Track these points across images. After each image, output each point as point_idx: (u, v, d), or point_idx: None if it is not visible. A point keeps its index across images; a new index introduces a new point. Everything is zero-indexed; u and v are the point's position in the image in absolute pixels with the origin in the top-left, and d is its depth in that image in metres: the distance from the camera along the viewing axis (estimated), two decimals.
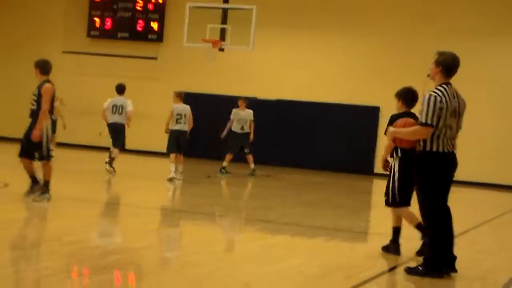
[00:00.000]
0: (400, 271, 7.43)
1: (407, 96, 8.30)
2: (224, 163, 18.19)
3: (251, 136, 18.07)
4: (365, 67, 22.36)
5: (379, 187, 19.95)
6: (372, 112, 22.07)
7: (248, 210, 12.14)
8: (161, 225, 10.02)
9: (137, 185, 15.19)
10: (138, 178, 16.72)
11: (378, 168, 22.08)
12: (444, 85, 7.09)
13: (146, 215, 10.32)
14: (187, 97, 18.45)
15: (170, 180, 15.17)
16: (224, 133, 18.26)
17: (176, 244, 8.60)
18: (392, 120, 8.10)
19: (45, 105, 10.11)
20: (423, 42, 21.31)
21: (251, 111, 18.13)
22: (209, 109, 22.87)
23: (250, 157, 18.15)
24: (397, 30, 22.01)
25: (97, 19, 24.46)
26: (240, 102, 18.24)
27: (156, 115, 23.27)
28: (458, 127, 7.19)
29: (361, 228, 11.12)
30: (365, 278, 6.96)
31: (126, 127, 15.88)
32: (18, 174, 13.51)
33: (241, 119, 18.07)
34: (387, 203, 8.30)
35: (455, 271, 7.26)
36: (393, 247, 8.34)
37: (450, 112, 7.03)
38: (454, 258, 7.29)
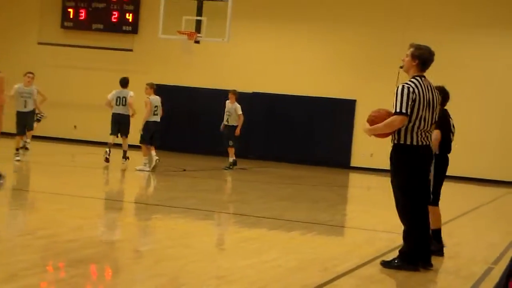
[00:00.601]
0: (376, 264, 7.43)
1: (444, 95, 8.02)
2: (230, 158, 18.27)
3: (237, 130, 18.03)
4: (342, 60, 22.39)
5: (356, 180, 20.11)
6: (349, 105, 22.11)
7: (224, 204, 12.10)
8: (136, 218, 9.95)
9: (112, 178, 15.09)
10: (112, 171, 16.58)
11: (355, 161, 22.20)
12: (417, 77, 7.08)
13: (121, 209, 10.25)
14: (163, 90, 18.43)
15: (141, 170, 15.40)
16: (222, 126, 18.32)
17: (151, 238, 8.54)
18: None
19: None
20: (401, 36, 21.36)
21: (238, 105, 18.14)
22: (184, 102, 22.81)
23: (231, 150, 18.15)
24: (374, 23, 22.05)
25: (71, 10, 24.25)
26: (230, 95, 18.34)
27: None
28: (433, 120, 7.12)
29: (338, 221, 11.12)
30: (341, 271, 6.95)
31: (130, 117, 16.55)
32: None
33: (227, 111, 18.08)
34: None
35: (431, 265, 7.28)
36: (436, 248, 7.95)
37: (423, 104, 6.99)
38: (429, 252, 7.30)
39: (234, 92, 18.42)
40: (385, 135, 7.21)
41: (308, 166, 21.52)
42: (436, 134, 7.82)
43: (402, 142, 7.05)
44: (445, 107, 8.20)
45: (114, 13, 23.91)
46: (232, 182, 16.40)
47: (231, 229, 9.60)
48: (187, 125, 22.88)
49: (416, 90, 6.97)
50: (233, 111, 18.12)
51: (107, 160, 16.23)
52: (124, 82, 16.84)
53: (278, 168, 20.46)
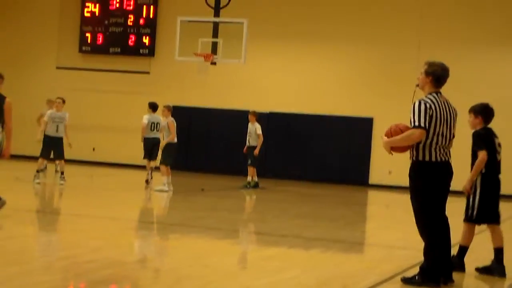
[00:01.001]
0: (396, 281, 7.40)
1: (489, 112, 8.12)
2: (254, 178, 18.45)
3: (256, 151, 18.12)
4: (358, 78, 22.41)
5: (374, 198, 20.04)
6: (366, 123, 22.10)
7: (243, 223, 12.11)
8: (155, 238, 9.98)
9: (131, 198, 15.15)
10: (131, 191, 16.66)
11: (373, 179, 22.14)
12: (433, 94, 7.07)
13: (140, 229, 10.29)
14: (179, 111, 18.57)
15: (160, 191, 15.74)
16: (245, 148, 18.45)
17: (171, 258, 8.56)
18: (476, 136, 7.99)
19: None
20: (416, 53, 21.40)
21: (258, 125, 18.29)
22: (201, 122, 22.91)
23: (251, 169, 18.33)
24: (390, 41, 22.08)
25: (88, 35, 24.47)
26: (250, 116, 18.42)
27: None
28: (451, 136, 7.08)
29: (357, 239, 11.09)
30: None
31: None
32: (10, 190, 13.48)
33: (249, 132, 18.20)
34: (466, 219, 8.05)
35: (452, 281, 7.24)
36: (497, 269, 7.91)
37: (440, 120, 6.96)
38: (451, 267, 7.26)
39: (254, 113, 18.53)
40: (402, 149, 7.13)
41: (326, 184, 21.49)
42: (482, 156, 7.83)
43: (420, 159, 7.00)
44: (489, 126, 8.13)
45: (131, 36, 24.11)
46: (250, 201, 16.41)
47: (251, 247, 9.60)
48: (204, 145, 22.94)
49: (433, 106, 6.94)
50: (253, 131, 18.24)
51: (147, 182, 16.94)
52: (155, 107, 17.36)
53: (296, 186, 20.44)
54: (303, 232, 10.86)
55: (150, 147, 17.12)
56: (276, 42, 22.99)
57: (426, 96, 7.09)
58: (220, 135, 23.05)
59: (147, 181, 16.97)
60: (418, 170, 7.04)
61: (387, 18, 22.26)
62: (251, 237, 10.50)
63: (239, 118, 22.81)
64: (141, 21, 24.12)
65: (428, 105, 6.94)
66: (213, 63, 19.82)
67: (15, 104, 18.50)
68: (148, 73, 24.10)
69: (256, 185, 18.30)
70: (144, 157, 17.24)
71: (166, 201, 14.94)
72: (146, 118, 17.13)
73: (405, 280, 7.24)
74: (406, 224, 13.51)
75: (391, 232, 12.05)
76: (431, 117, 6.92)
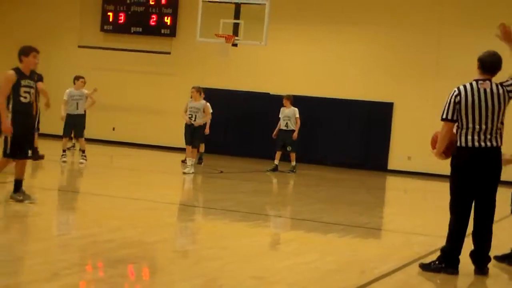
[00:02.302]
0: (414, 267, 7.37)
1: None
2: (275, 161, 18.41)
3: (295, 134, 18.13)
4: (379, 62, 22.27)
5: (393, 183, 19.96)
6: (386, 108, 21.99)
7: (262, 206, 12.10)
8: (174, 220, 10.01)
9: (151, 179, 15.20)
10: (152, 172, 16.72)
11: (392, 164, 22.06)
12: (474, 81, 7.14)
13: (160, 210, 10.32)
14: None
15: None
16: (275, 132, 18.44)
17: (190, 239, 8.58)
18: None
19: (0, 95, 9.25)
20: (437, 38, 21.24)
21: (295, 108, 18.22)
22: (222, 104, 22.87)
23: (292, 155, 18.34)
24: (411, 26, 21.90)
25: (110, 14, 24.49)
26: (284, 100, 18.41)
27: (168, 109, 23.32)
28: (494, 122, 7.03)
29: (376, 224, 11.06)
30: (379, 274, 6.92)
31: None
32: (31, 169, 13.60)
33: (286, 116, 18.17)
34: None
35: (482, 272, 7.19)
36: None
37: (471, 106, 6.99)
38: (482, 258, 7.22)
39: (289, 96, 18.50)
40: (451, 146, 7.17)
41: (346, 169, 21.43)
42: None
43: (458, 144, 7.10)
44: None
45: (153, 16, 24.09)
46: (269, 185, 16.40)
47: (269, 230, 9.60)
48: (224, 128, 22.93)
49: (462, 93, 7.04)
50: (291, 115, 18.22)
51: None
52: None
53: (316, 170, 20.41)
54: (322, 217, 10.84)
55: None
56: (297, 25, 22.88)
57: (464, 84, 7.16)
58: (240, 116, 23.03)
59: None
60: (455, 154, 7.15)
61: (408, 3, 22.07)
62: (270, 220, 10.50)
63: (259, 100, 22.80)
64: (163, 1, 24.09)
65: (455, 93, 7.09)
66: (234, 45, 19.76)
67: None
68: (169, 53, 24.09)
69: (293, 170, 18.34)
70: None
71: (186, 183, 14.97)
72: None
73: (423, 266, 7.23)
74: (425, 210, 13.50)
75: (410, 218, 12.01)
76: (458, 103, 7.04)
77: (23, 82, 9.28)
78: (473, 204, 7.17)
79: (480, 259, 7.23)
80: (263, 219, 10.35)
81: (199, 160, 18.27)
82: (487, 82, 7.12)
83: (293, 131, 18.22)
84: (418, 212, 13.00)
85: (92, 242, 7.42)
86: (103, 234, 7.93)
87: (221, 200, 12.08)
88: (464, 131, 7.05)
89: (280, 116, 18.46)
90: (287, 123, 18.28)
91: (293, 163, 18.42)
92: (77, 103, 16.23)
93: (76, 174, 15.33)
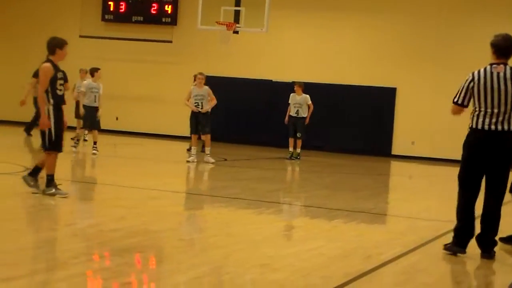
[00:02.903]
0: (419, 252, 7.39)
1: None
2: (290, 149, 18.48)
3: (307, 119, 18.20)
4: (381, 48, 22.21)
5: (397, 168, 19.97)
6: (389, 93, 21.96)
7: (266, 193, 12.12)
8: (179, 208, 10.03)
9: (155, 168, 15.22)
10: (155, 161, 16.74)
11: (396, 150, 22.05)
12: (488, 65, 7.23)
13: (165, 198, 10.34)
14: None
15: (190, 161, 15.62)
16: (286, 118, 18.47)
17: (195, 227, 8.61)
18: None
19: (40, 88, 9.27)
20: (438, 24, 21.18)
21: (307, 95, 18.24)
22: (224, 92, 22.83)
23: (299, 142, 18.43)
24: (413, 11, 21.83)
25: (111, 3, 24.43)
26: (296, 87, 18.44)
27: (171, 98, 23.30)
28: (507, 106, 7.08)
29: (381, 210, 11.08)
30: (385, 259, 6.94)
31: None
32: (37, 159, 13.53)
33: (297, 103, 18.19)
34: None
35: (488, 256, 7.23)
36: None
37: (484, 90, 7.10)
38: (488, 241, 7.26)
39: (300, 84, 18.52)
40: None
41: (349, 155, 21.43)
42: None
43: (469, 125, 7.28)
44: None
45: (154, 5, 24.04)
46: (273, 172, 16.41)
47: (274, 217, 9.62)
48: (227, 115, 22.92)
49: (476, 77, 7.17)
50: (303, 102, 18.24)
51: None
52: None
53: (319, 157, 20.42)
54: (327, 203, 10.86)
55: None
56: (298, 12, 22.82)
57: (480, 68, 7.26)
58: (243, 104, 23.01)
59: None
60: (467, 136, 7.31)
61: None
62: (275, 207, 10.52)
63: (262, 88, 22.77)
64: None
65: (470, 79, 7.23)
66: (236, 32, 19.71)
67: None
68: (170, 42, 24.05)
69: (298, 156, 18.41)
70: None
71: (190, 171, 14.99)
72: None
73: (445, 246, 7.36)
74: (430, 195, 13.50)
75: (414, 203, 12.02)
76: (472, 89, 7.19)
77: (58, 75, 9.29)
78: (484, 186, 7.24)
79: (487, 242, 7.27)
80: (268, 206, 10.37)
81: (202, 148, 18.27)
82: (501, 65, 7.19)
83: (303, 118, 18.23)
84: (422, 197, 13.00)
85: (98, 231, 7.45)
86: (108, 223, 7.96)
87: (225, 188, 12.10)
88: (477, 113, 7.16)
89: (289, 102, 18.44)
90: (298, 110, 18.30)
91: (298, 150, 18.44)
92: (95, 96, 16.34)
93: (81, 164, 15.35)
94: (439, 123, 20.50)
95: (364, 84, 22.13)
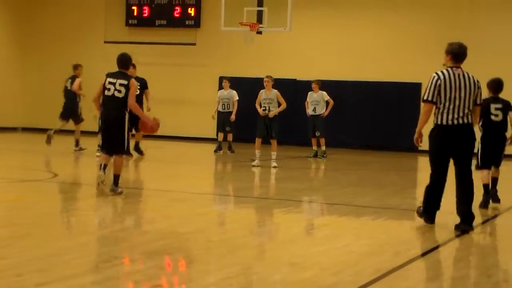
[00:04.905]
0: (449, 247, 7.37)
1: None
2: (313, 147, 18.55)
3: (325, 113, 18.29)
4: (405, 43, 22.12)
5: (424, 164, 19.80)
6: (414, 88, 21.85)
7: (293, 192, 12.14)
8: (206, 209, 10.08)
9: (181, 170, 15.31)
10: (181, 163, 16.83)
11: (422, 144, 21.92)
12: (449, 68, 8.39)
13: (191, 200, 10.40)
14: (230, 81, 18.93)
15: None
16: (308, 114, 18.55)
17: (223, 228, 8.66)
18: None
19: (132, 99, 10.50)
20: (466, 17, 21.04)
21: (323, 92, 18.31)
22: (249, 93, 22.86)
23: (322, 140, 18.43)
24: (439, 5, 21.71)
25: (135, 8, 24.60)
26: (313, 85, 18.46)
27: (196, 101, 23.40)
28: (467, 102, 8.25)
29: (408, 205, 11.01)
30: (414, 255, 6.94)
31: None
32: (65, 165, 13.71)
33: (314, 101, 18.22)
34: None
35: (469, 227, 8.23)
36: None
37: (449, 89, 8.22)
38: (465, 215, 8.34)
39: (318, 82, 18.53)
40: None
41: (375, 151, 21.37)
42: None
43: (435, 121, 8.40)
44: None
45: (177, 8, 24.16)
46: (299, 170, 16.42)
47: (302, 216, 9.64)
48: (252, 116, 22.93)
49: (442, 77, 8.28)
50: (320, 99, 18.24)
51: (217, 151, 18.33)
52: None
53: (345, 154, 20.39)
54: (354, 200, 10.86)
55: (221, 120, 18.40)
56: (321, 10, 22.79)
57: (441, 70, 8.38)
58: None
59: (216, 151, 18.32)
60: (432, 130, 8.46)
61: None
62: (302, 206, 10.54)
63: (286, 87, 22.77)
64: None
65: (436, 78, 8.34)
66: (259, 32, 19.76)
67: (64, 80, 18.79)
68: (194, 44, 24.14)
69: (324, 154, 18.44)
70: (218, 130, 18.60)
71: (216, 172, 15.04)
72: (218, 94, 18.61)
73: (418, 210, 8.79)
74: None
75: (443, 197, 11.93)
76: (439, 86, 8.28)
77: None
78: (455, 172, 8.52)
79: (467, 215, 8.36)
80: (296, 205, 10.39)
81: (230, 150, 18.41)
82: (459, 69, 8.41)
83: (320, 115, 18.22)
84: (449, 192, 12.90)
85: (129, 234, 7.52)
86: (138, 226, 8.04)
87: (253, 188, 12.14)
88: (441, 110, 8.28)
89: (308, 100, 18.47)
90: (315, 108, 18.30)
91: (323, 147, 18.43)
92: None
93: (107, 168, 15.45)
94: None
95: (389, 80, 22.05)
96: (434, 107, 8.31)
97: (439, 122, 8.30)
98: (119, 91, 10.21)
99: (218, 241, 7.55)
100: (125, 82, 10.30)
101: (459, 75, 8.34)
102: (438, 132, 8.34)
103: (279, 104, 15.69)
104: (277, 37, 21.78)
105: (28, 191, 10.77)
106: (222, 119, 18.56)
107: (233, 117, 18.24)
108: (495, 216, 9.91)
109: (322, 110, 18.26)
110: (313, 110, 18.30)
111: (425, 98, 8.36)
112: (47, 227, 7.92)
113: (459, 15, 21.25)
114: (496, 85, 10.50)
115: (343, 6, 22.56)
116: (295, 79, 22.62)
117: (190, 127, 23.80)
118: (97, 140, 16.27)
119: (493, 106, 10.45)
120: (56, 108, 18.29)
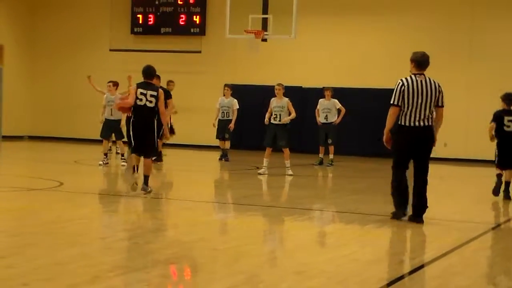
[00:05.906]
0: (454, 255, 7.35)
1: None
2: (320, 155, 18.59)
3: (337, 120, 18.32)
4: (410, 49, 22.04)
5: (430, 171, 19.76)
6: None
7: (299, 199, 12.14)
8: (212, 217, 10.09)
9: (186, 178, 15.31)
10: (186, 171, 16.84)
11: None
12: (412, 75, 9.23)
13: (196, 208, 10.40)
14: (232, 89, 18.79)
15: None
16: (319, 123, 18.64)
17: (228, 236, 8.65)
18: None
19: (163, 107, 11.54)
20: (469, 24, 21.03)
21: (335, 100, 18.34)
22: (254, 100, 22.92)
23: (331, 148, 18.42)
24: (443, 11, 21.74)
25: (140, 16, 24.68)
26: (326, 92, 18.47)
27: (202, 108, 23.43)
28: (426, 106, 9.06)
29: None
30: (419, 263, 6.92)
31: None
32: (71, 173, 13.75)
33: (325, 109, 18.20)
34: None
35: (420, 220, 9.12)
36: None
37: (412, 94, 9.04)
38: (417, 209, 9.23)
39: (330, 89, 18.52)
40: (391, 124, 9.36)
41: (381, 159, 21.33)
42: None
43: (399, 122, 9.18)
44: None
45: (182, 16, 24.23)
46: (304, 178, 16.41)
47: (307, 224, 9.63)
48: (257, 123, 22.96)
49: (405, 83, 9.16)
50: (332, 107, 18.23)
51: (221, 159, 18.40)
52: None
53: (350, 162, 20.38)
54: (359, 208, 10.85)
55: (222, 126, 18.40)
56: (326, 17, 22.84)
57: (406, 77, 9.22)
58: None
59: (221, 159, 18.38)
60: (396, 130, 9.21)
61: None
62: (308, 214, 10.53)
63: (292, 95, 22.75)
64: (191, 0, 24.20)
65: (401, 84, 9.21)
66: (264, 40, 19.81)
67: (70, 88, 18.83)
68: (199, 52, 24.20)
69: (331, 162, 18.45)
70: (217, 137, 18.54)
71: (221, 180, 15.04)
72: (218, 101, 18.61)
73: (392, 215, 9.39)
74: (463, 197, 13.41)
75: (448, 205, 11.95)
76: (403, 92, 9.13)
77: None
78: (413, 171, 9.35)
79: (419, 209, 9.26)
80: (301, 213, 10.39)
81: (225, 158, 18.33)
82: (422, 75, 9.24)
83: (332, 123, 18.19)
84: (456, 199, 12.92)
85: (133, 243, 7.52)
86: (143, 235, 8.04)
87: (257, 196, 12.14)
88: (404, 113, 9.10)
89: (318, 107, 18.43)
90: (326, 115, 18.27)
91: (331, 155, 18.41)
92: (111, 109, 16.41)
93: (112, 176, 15.50)
94: (474, 123, 20.33)
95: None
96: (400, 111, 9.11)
97: (402, 123, 9.15)
98: (150, 102, 11.23)
99: (223, 250, 7.55)
100: (155, 93, 11.40)
101: (421, 81, 9.20)
102: (400, 132, 9.18)
103: (289, 113, 15.63)
104: (282, 45, 21.81)
105: (34, 200, 10.78)
106: (221, 127, 18.39)
107: (232, 125, 18.10)
108: (501, 224, 9.88)
109: (333, 118, 18.24)
110: (324, 118, 18.26)
111: (391, 102, 9.22)
112: (53, 235, 7.93)
113: (463, 21, 21.25)
114: (508, 99, 12.14)
115: (348, 13, 22.59)
116: (301, 87, 22.65)
117: (195, 134, 23.83)
118: (102, 149, 16.31)
119: (506, 118, 12.15)
120: (63, 117, 18.34)
